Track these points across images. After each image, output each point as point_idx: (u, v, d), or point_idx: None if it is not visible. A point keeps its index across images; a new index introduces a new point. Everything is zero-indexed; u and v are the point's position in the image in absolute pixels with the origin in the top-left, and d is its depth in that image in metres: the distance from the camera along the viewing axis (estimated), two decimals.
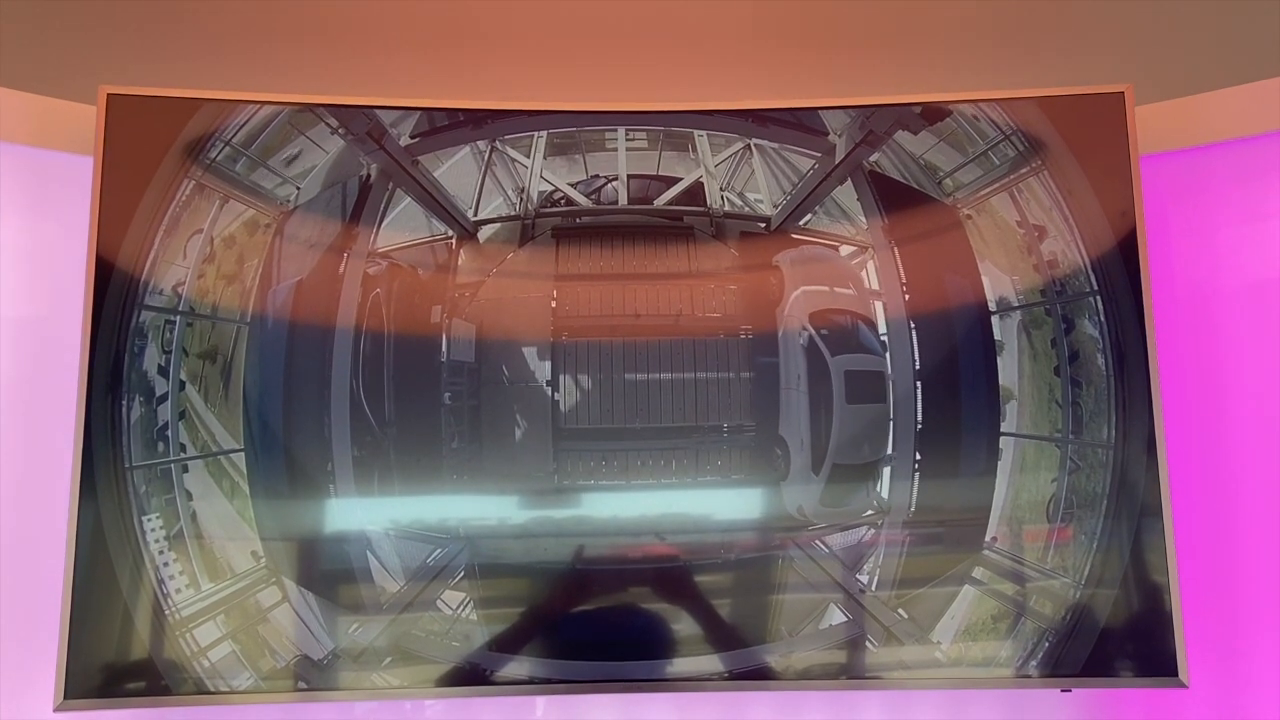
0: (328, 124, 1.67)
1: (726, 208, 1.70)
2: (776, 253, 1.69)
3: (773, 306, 1.67)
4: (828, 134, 1.71)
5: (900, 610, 1.59)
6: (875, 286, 1.67)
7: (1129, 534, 1.58)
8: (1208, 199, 1.74)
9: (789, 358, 1.65)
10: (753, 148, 1.72)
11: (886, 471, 1.62)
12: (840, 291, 1.69)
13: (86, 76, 1.71)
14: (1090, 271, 1.65)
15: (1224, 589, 1.66)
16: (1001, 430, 1.61)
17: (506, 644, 1.56)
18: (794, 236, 1.69)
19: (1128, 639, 1.57)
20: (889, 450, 1.63)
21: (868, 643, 1.58)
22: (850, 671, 1.58)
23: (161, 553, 1.55)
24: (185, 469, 1.57)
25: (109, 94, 1.62)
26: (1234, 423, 1.69)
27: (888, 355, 1.65)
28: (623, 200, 1.71)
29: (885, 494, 1.61)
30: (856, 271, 1.69)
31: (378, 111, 1.68)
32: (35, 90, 1.70)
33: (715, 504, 1.63)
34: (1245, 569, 1.66)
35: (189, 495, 1.57)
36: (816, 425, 1.63)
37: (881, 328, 1.66)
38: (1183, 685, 1.54)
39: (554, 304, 1.66)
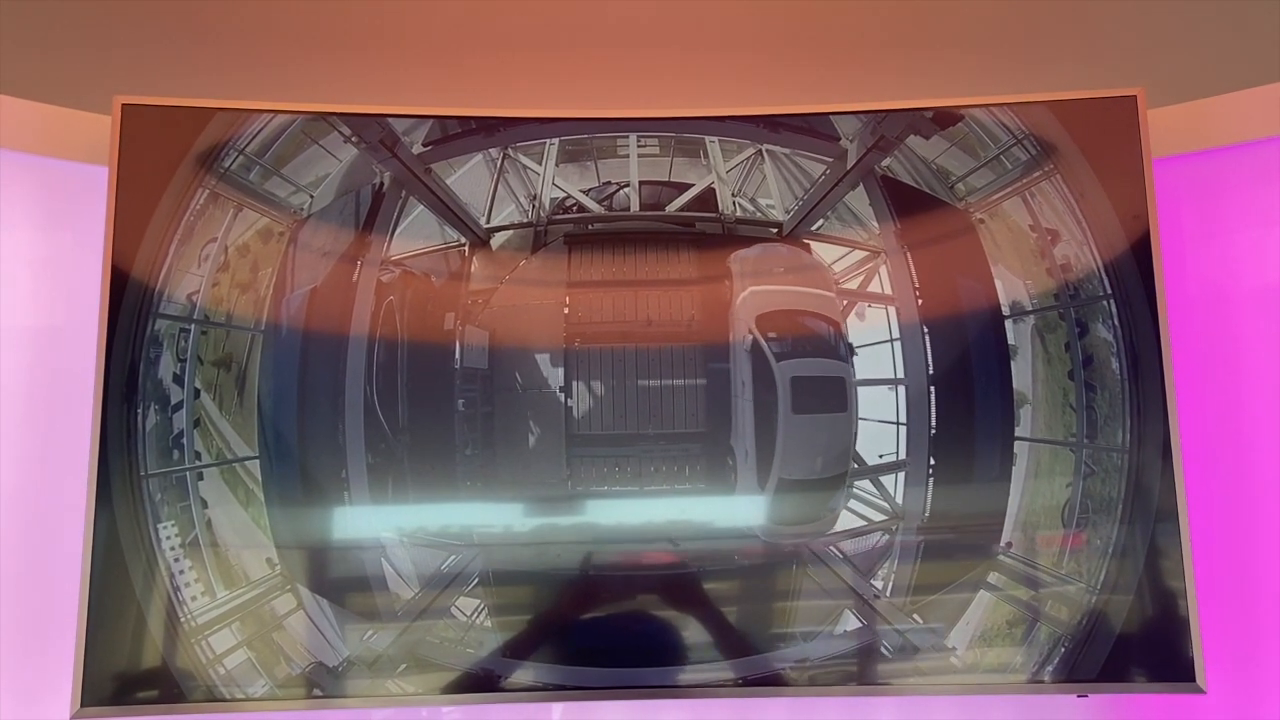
0: (341, 132, 1.68)
1: (738, 214, 1.70)
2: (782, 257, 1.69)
3: (725, 309, 1.66)
4: (839, 139, 1.71)
5: (915, 616, 1.58)
6: (887, 290, 1.67)
7: (1145, 538, 1.57)
8: (1221, 202, 1.74)
9: (737, 363, 1.64)
10: (764, 153, 1.72)
11: (900, 478, 1.61)
12: (797, 291, 1.66)
13: (101, 87, 1.72)
14: (1104, 275, 1.64)
15: (1241, 593, 1.65)
16: (1016, 435, 1.61)
17: (521, 650, 1.56)
18: (806, 241, 1.69)
19: (1144, 644, 1.56)
20: (854, 464, 1.60)
21: (882, 648, 1.58)
22: (865, 677, 1.58)
23: (177, 560, 1.55)
24: (200, 476, 1.58)
25: (124, 104, 1.63)
26: (1249, 425, 1.69)
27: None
28: (635, 207, 1.71)
29: (900, 499, 1.61)
30: (823, 270, 1.67)
31: (390, 120, 1.69)
32: (50, 101, 1.71)
33: (729, 510, 1.63)
34: (1262, 573, 1.65)
35: (204, 503, 1.57)
36: (762, 436, 1.61)
37: (856, 335, 1.64)
38: (1200, 691, 1.53)
39: (566, 310, 1.66)
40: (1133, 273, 1.63)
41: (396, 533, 1.59)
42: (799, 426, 1.62)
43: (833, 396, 1.63)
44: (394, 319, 1.64)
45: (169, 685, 1.52)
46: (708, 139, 1.72)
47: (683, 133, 1.73)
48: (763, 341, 1.62)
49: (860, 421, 1.63)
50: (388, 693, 1.56)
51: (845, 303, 1.67)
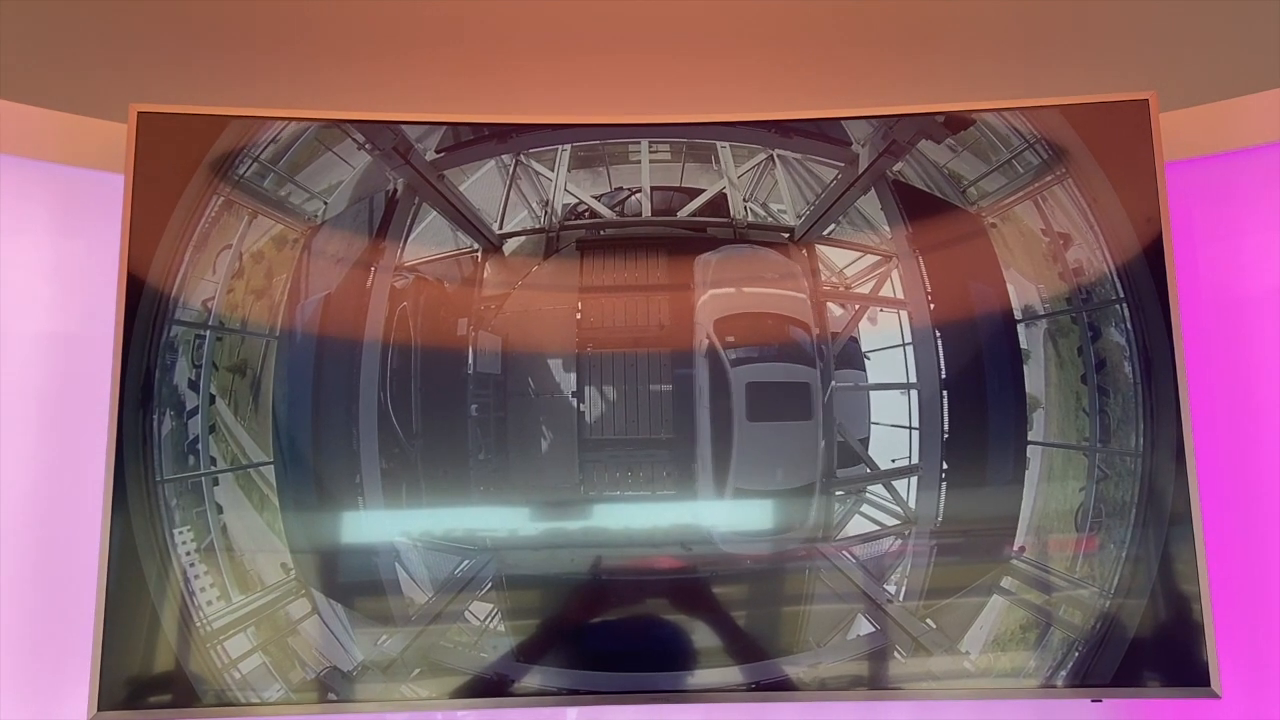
0: (354, 139, 1.69)
1: (750, 219, 1.71)
2: (799, 262, 1.69)
3: (690, 313, 1.66)
4: (850, 144, 1.72)
5: (928, 620, 1.58)
6: (899, 295, 1.67)
7: (1158, 542, 1.57)
8: (1234, 205, 1.74)
9: (698, 369, 1.64)
10: (775, 158, 1.72)
11: (912, 483, 1.61)
12: (762, 293, 1.66)
13: (117, 95, 1.73)
14: (1116, 279, 1.64)
15: (1255, 597, 1.64)
16: (1029, 439, 1.61)
17: (535, 654, 1.57)
18: (816, 246, 1.69)
19: (1158, 648, 1.56)
20: (823, 474, 1.59)
21: (896, 653, 1.58)
22: (878, 682, 1.58)
23: (192, 565, 1.56)
24: (215, 482, 1.59)
25: (139, 112, 1.64)
26: (1263, 429, 1.68)
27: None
28: (646, 212, 1.72)
29: (913, 503, 1.61)
30: (794, 272, 1.66)
31: (404, 127, 1.70)
32: (67, 109, 1.72)
33: (740, 514, 1.63)
34: (1277, 576, 1.64)
35: (219, 508, 1.58)
36: (719, 444, 1.61)
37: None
38: (1215, 695, 1.53)
39: (579, 316, 1.67)
40: (1145, 276, 1.63)
41: (410, 537, 1.60)
42: (755, 435, 1.61)
43: (795, 404, 1.62)
44: (407, 325, 1.64)
45: (184, 689, 1.53)
46: (719, 144, 1.73)
47: (694, 138, 1.73)
48: (719, 346, 1.61)
49: (873, 426, 1.63)
50: (402, 697, 1.56)
51: (857, 306, 1.67)
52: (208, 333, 1.62)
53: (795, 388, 1.63)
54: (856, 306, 1.67)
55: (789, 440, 1.62)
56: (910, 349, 1.64)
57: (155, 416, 1.58)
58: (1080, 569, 1.58)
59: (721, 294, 1.66)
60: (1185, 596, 1.55)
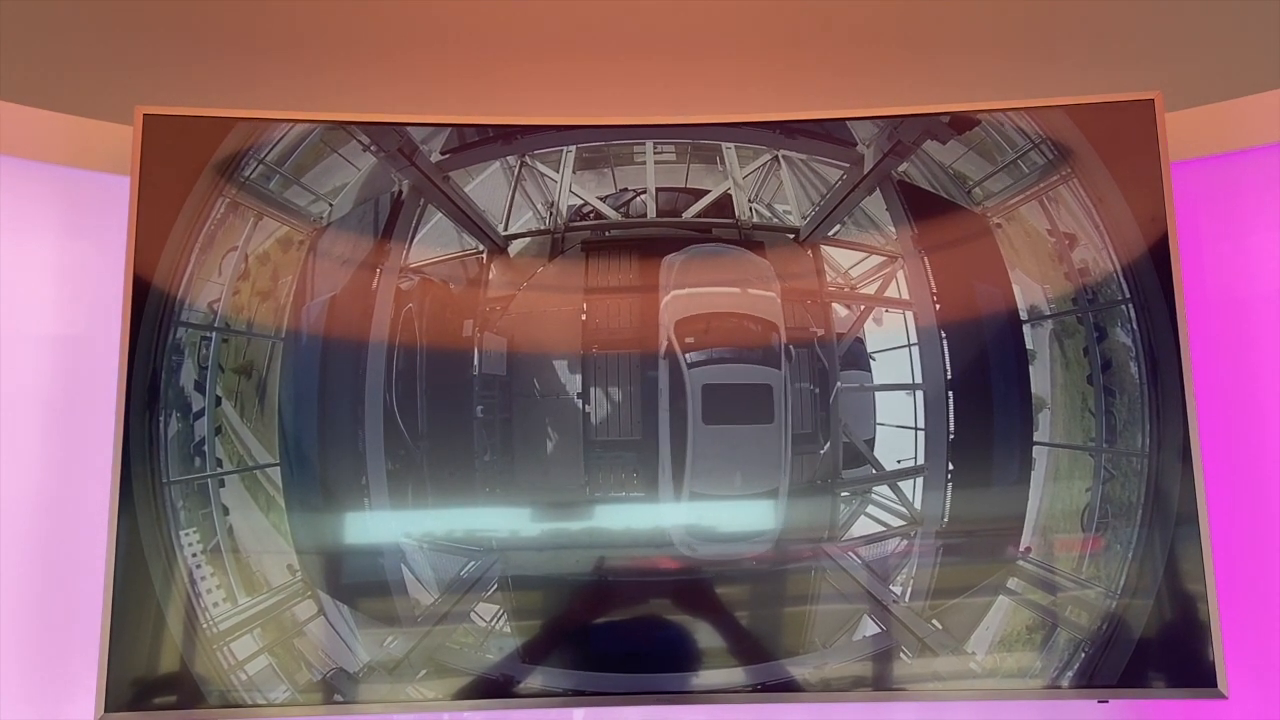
0: (360, 141, 1.69)
1: (755, 219, 1.71)
2: (804, 262, 1.69)
3: (656, 314, 1.66)
4: (856, 144, 1.72)
5: (934, 621, 1.58)
6: (904, 295, 1.67)
7: (1165, 543, 1.57)
8: (1240, 204, 1.73)
9: (660, 372, 1.63)
10: (781, 159, 1.72)
11: (918, 483, 1.61)
12: (727, 294, 1.65)
13: (122, 97, 1.74)
14: (1122, 279, 1.64)
15: (1262, 597, 1.64)
16: (1034, 440, 1.61)
17: (541, 656, 1.57)
18: (822, 246, 1.69)
19: (1165, 649, 1.55)
20: (788, 479, 1.59)
21: (901, 654, 1.58)
22: (884, 683, 1.58)
23: (199, 566, 1.56)
24: (221, 483, 1.59)
25: (145, 114, 1.65)
26: (1269, 428, 1.68)
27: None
28: (651, 213, 1.72)
29: (918, 504, 1.61)
30: (763, 271, 1.65)
31: (409, 128, 1.70)
32: (73, 111, 1.72)
33: (747, 515, 1.63)
34: None
35: (225, 509, 1.58)
36: (677, 447, 1.61)
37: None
38: (1222, 696, 1.52)
39: (584, 317, 1.67)
40: (1151, 277, 1.62)
41: (416, 538, 1.60)
42: (711, 438, 1.61)
43: (755, 406, 1.61)
44: (413, 326, 1.65)
45: (191, 690, 1.53)
46: (724, 145, 1.73)
47: (699, 139, 1.73)
48: (677, 348, 1.61)
49: (878, 426, 1.63)
50: (408, 698, 1.56)
51: (862, 307, 1.67)
52: (214, 334, 1.62)
53: (755, 389, 1.62)
54: (861, 307, 1.67)
55: (748, 444, 1.62)
56: (916, 349, 1.64)
57: (161, 418, 1.59)
58: (1086, 570, 1.58)
59: (685, 294, 1.65)
60: (1191, 597, 1.55)
